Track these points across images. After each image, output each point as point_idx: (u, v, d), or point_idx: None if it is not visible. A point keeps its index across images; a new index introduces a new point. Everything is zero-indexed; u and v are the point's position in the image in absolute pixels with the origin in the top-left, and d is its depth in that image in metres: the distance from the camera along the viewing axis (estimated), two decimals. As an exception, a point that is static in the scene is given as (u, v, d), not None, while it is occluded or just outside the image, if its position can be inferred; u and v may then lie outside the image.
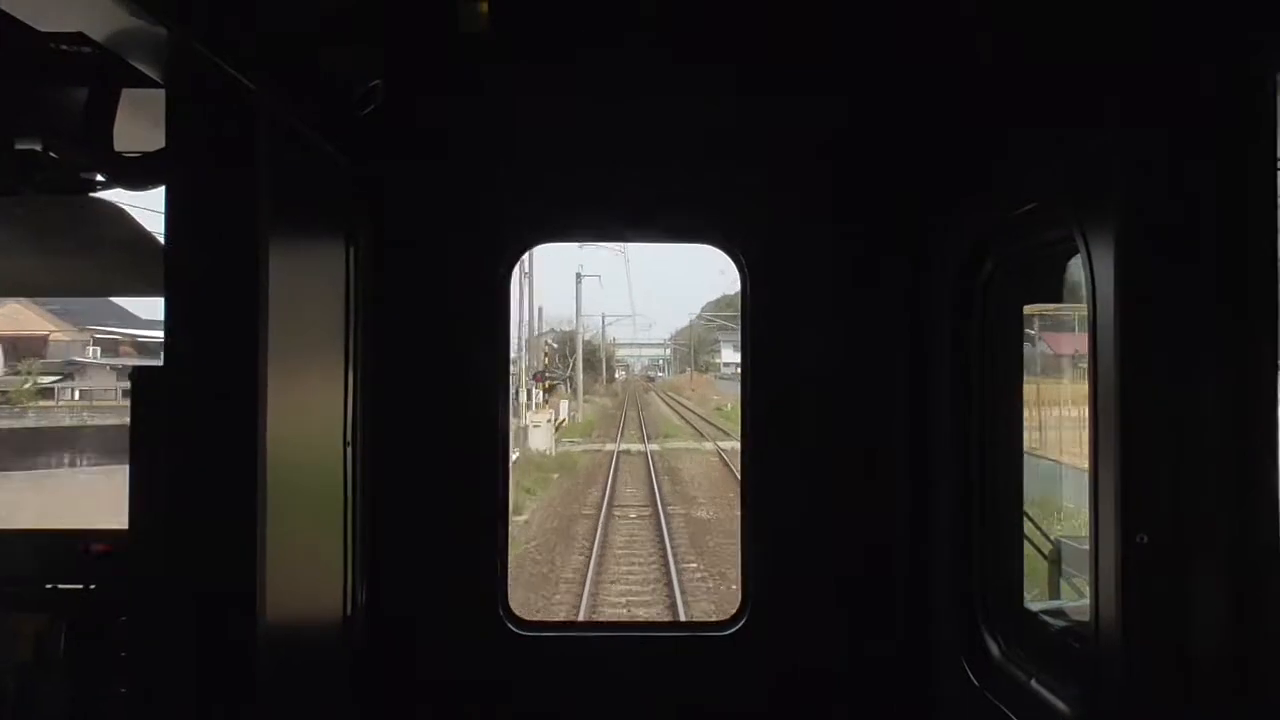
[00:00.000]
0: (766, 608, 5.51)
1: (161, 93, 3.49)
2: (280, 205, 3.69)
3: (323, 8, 4.01)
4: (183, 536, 3.51)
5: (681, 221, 5.75)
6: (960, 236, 5.01)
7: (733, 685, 5.53)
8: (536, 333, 76.34)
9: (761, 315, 5.62)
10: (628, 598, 22.71)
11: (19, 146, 4.23)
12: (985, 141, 4.68)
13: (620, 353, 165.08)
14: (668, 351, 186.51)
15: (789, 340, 5.57)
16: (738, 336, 5.84)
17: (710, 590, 23.05)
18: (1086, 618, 3.69)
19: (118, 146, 4.19)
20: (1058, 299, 5.23)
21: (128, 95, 4.08)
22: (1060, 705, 4.14)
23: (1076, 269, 3.90)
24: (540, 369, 68.98)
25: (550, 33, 4.67)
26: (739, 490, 5.96)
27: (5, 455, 38.17)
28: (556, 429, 56.73)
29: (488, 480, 5.52)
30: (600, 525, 31.12)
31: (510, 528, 5.81)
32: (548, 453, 49.02)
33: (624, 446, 56.64)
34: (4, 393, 54.15)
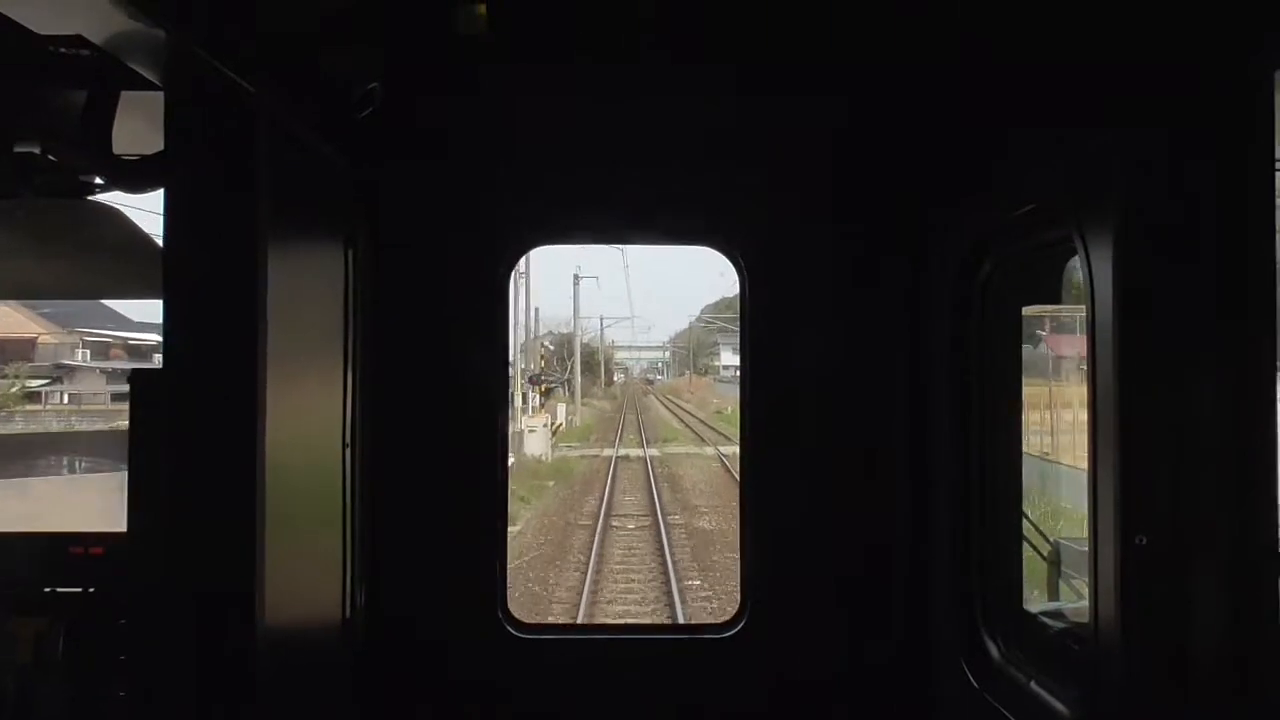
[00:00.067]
0: (766, 609, 5.51)
1: (160, 95, 3.49)
2: (279, 207, 3.69)
3: (321, 10, 4.01)
4: (182, 538, 3.51)
5: (681, 223, 5.75)
6: (960, 237, 5.01)
7: (732, 687, 5.52)
8: (533, 335, 75.73)
9: (761, 316, 5.61)
10: (626, 620, 21.55)
11: (18, 149, 4.23)
12: (985, 141, 4.68)
13: (619, 355, 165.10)
14: (666, 354, 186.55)
15: (788, 341, 5.57)
16: (737, 339, 5.83)
17: (714, 612, 21.83)
18: (1086, 619, 3.69)
19: (116, 149, 4.19)
20: (1057, 300, 5.23)
21: (126, 98, 4.08)
22: (1060, 707, 4.14)
23: (1076, 269, 3.90)
24: (536, 372, 68.28)
25: (549, 34, 4.67)
26: (738, 492, 5.96)
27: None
28: (553, 433, 55.94)
29: (487, 482, 5.52)
30: (597, 537, 29.70)
31: (503, 535, 5.78)
32: (543, 458, 47.88)
33: (622, 452, 55.37)
34: (-11, 396, 53.81)
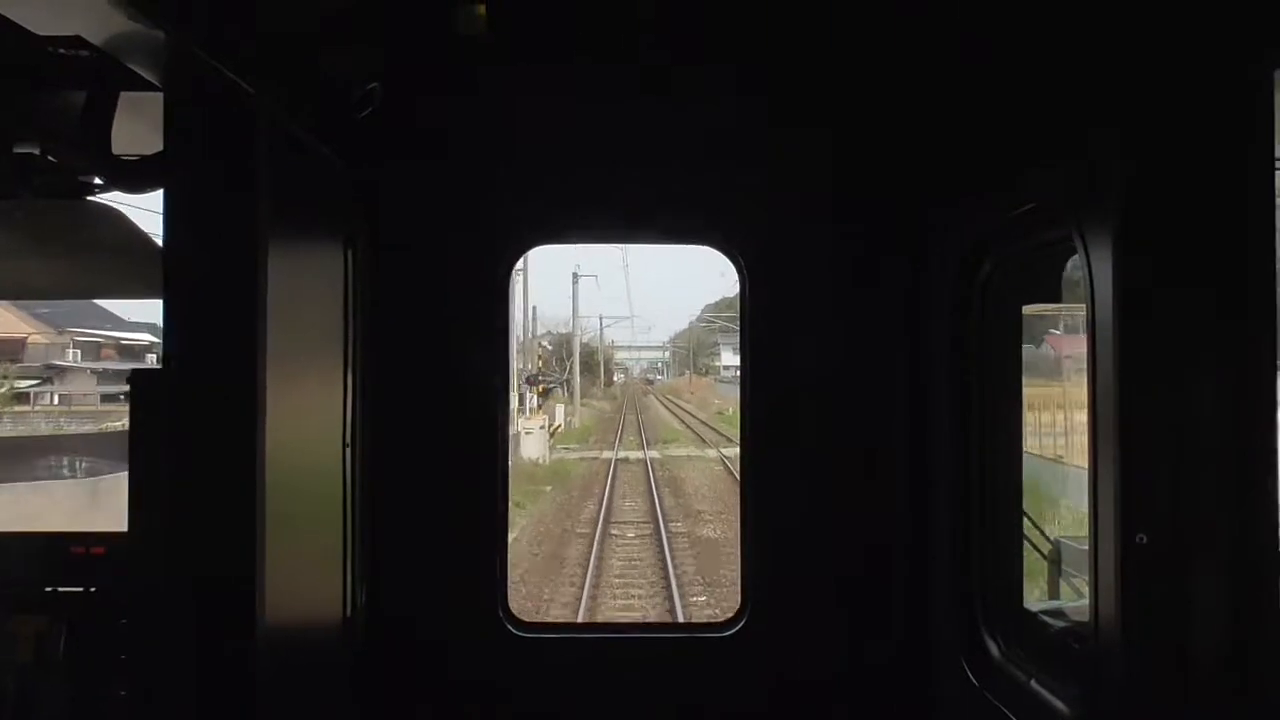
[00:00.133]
0: (766, 608, 5.51)
1: (160, 96, 3.49)
2: (279, 207, 3.69)
3: (321, 10, 4.01)
4: (183, 538, 3.51)
5: (681, 222, 5.75)
6: (960, 236, 5.01)
7: (732, 686, 5.52)
8: (531, 334, 74.97)
9: (761, 316, 5.62)
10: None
11: (17, 150, 4.24)
12: (985, 141, 4.68)
13: (618, 355, 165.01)
14: (666, 354, 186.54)
15: (788, 341, 5.57)
16: (737, 339, 5.83)
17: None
18: (1086, 618, 3.69)
19: (116, 150, 4.19)
20: (1057, 299, 5.23)
21: (126, 98, 4.08)
22: (1060, 705, 4.14)
23: (1076, 269, 3.90)
24: (533, 372, 67.47)
25: (548, 34, 4.68)
26: (739, 492, 5.96)
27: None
28: (551, 435, 55.07)
29: (487, 481, 5.52)
30: (595, 547, 28.14)
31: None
32: (540, 461, 46.56)
33: (622, 454, 54.20)
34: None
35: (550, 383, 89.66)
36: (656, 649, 5.79)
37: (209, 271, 3.54)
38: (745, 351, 5.69)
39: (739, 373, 5.95)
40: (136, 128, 4.11)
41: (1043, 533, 6.01)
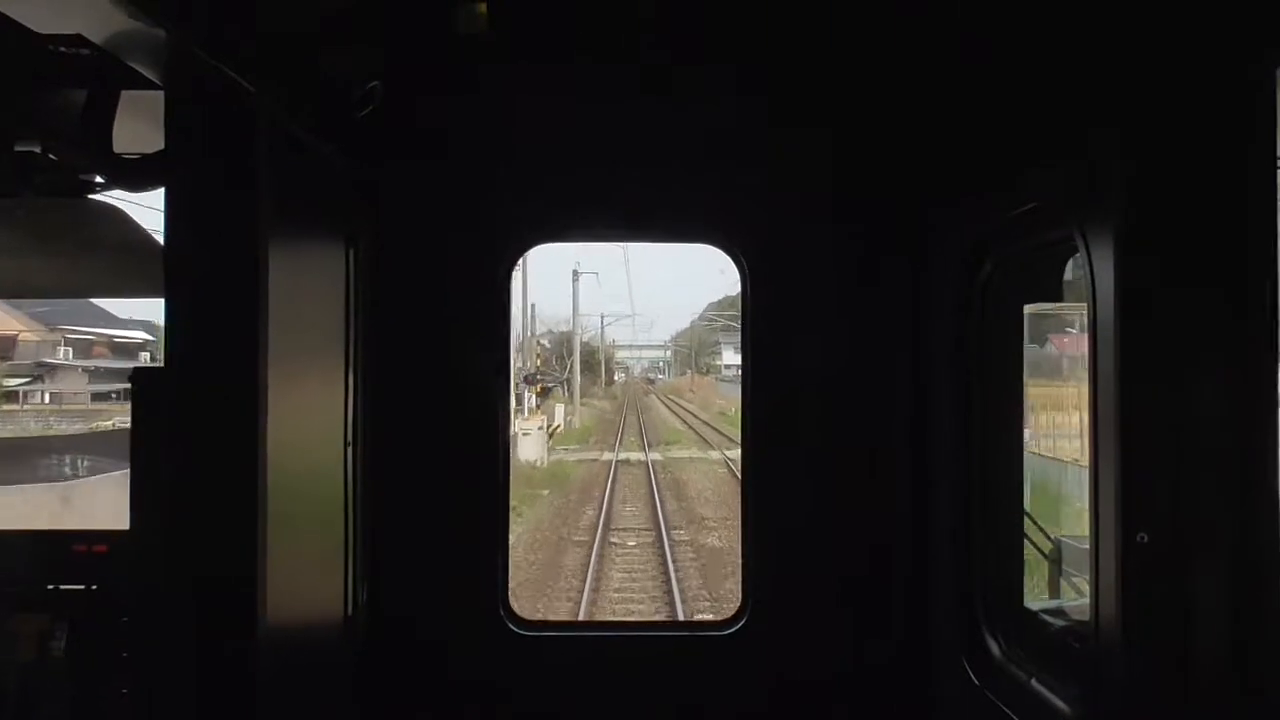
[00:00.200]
0: (767, 608, 5.51)
1: (161, 94, 3.50)
2: (280, 206, 3.70)
3: (321, 9, 4.01)
4: (184, 537, 3.51)
5: (682, 222, 5.76)
6: (960, 237, 5.01)
7: (733, 685, 5.53)
8: (530, 333, 73.92)
9: (762, 315, 5.62)
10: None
11: (18, 148, 4.24)
12: (985, 141, 4.68)
13: (619, 354, 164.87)
14: (668, 353, 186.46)
15: (790, 340, 5.57)
16: (739, 338, 5.84)
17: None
18: (1087, 617, 3.69)
19: (117, 148, 4.19)
20: (1058, 299, 5.23)
21: (127, 97, 4.08)
22: (1061, 704, 4.14)
23: (1077, 268, 3.90)
24: (532, 371, 66.38)
25: (549, 33, 4.68)
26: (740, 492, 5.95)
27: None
28: (550, 435, 53.96)
29: (488, 480, 5.52)
30: (594, 558, 26.50)
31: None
32: (538, 463, 44.57)
33: (623, 455, 52.57)
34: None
35: (549, 382, 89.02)
36: (657, 647, 5.79)
37: (210, 270, 3.54)
38: (747, 351, 5.70)
39: (740, 372, 5.95)
40: (138, 126, 4.12)
41: (1044, 532, 6.01)
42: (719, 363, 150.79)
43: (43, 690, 4.39)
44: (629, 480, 43.05)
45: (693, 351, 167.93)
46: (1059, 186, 3.96)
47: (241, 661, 3.52)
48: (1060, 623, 4.84)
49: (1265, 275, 3.25)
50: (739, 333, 5.79)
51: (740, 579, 5.74)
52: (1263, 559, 3.24)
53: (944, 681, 5.17)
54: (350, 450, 4.80)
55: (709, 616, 21.74)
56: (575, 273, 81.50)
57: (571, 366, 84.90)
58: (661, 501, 36.28)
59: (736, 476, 40.59)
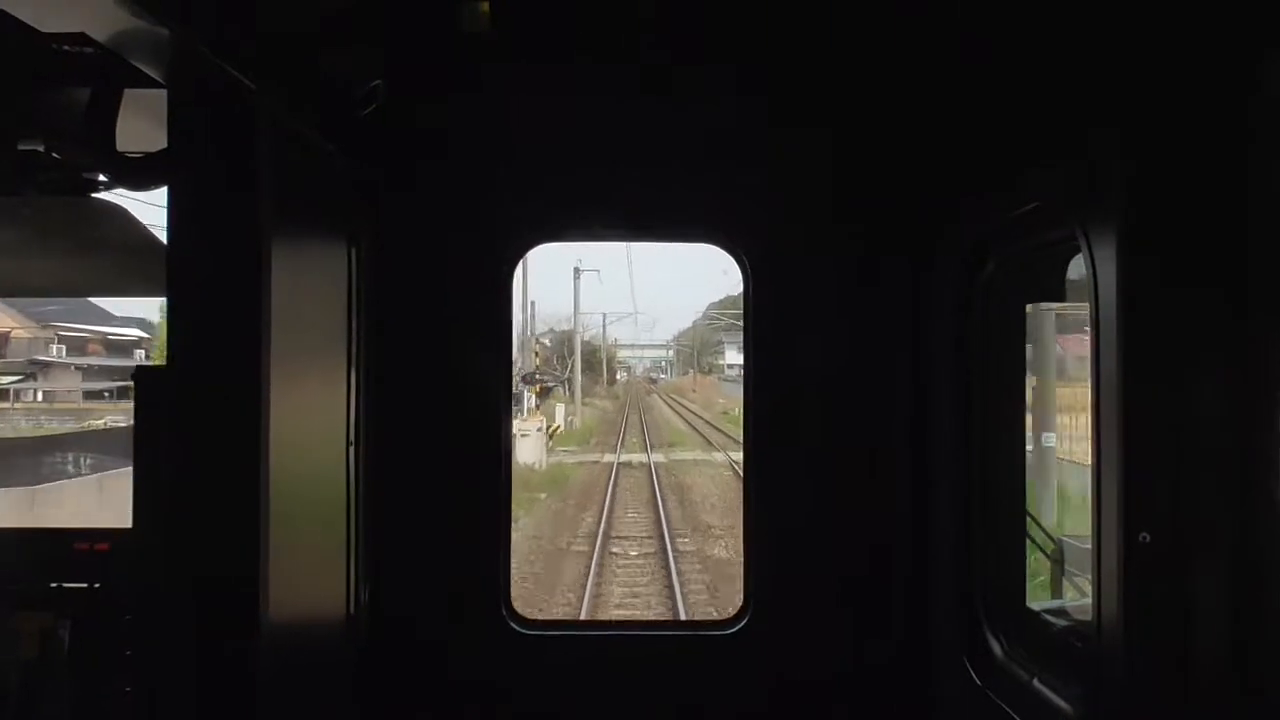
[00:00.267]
0: (768, 607, 5.51)
1: (163, 93, 3.49)
2: (282, 205, 3.70)
3: (324, 8, 4.02)
4: (186, 535, 3.52)
5: (682, 222, 5.77)
6: (961, 236, 5.01)
7: (734, 685, 5.53)
8: (530, 331, 72.74)
9: (764, 315, 5.62)
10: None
11: (22, 147, 4.25)
12: (986, 141, 4.69)
13: (622, 353, 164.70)
14: (670, 353, 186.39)
15: (792, 339, 5.58)
16: (741, 337, 5.84)
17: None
18: (1089, 617, 3.69)
19: (120, 147, 4.20)
20: (1060, 299, 5.23)
21: (129, 95, 4.09)
22: (1062, 704, 4.14)
23: (1078, 268, 3.90)
24: (531, 370, 64.53)
25: (550, 32, 4.68)
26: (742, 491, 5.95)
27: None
28: (550, 436, 53.10)
29: (490, 480, 5.53)
30: (592, 571, 24.98)
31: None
32: (536, 466, 43.13)
33: (624, 457, 51.24)
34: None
35: (549, 382, 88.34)
36: (659, 647, 5.80)
37: (212, 269, 3.54)
38: (749, 350, 5.71)
39: (742, 371, 5.96)
40: (140, 125, 4.12)
41: (1045, 532, 6.01)
42: (722, 362, 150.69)
43: (44, 688, 4.40)
44: (630, 484, 41.95)
45: (695, 351, 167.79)
46: (1060, 186, 3.97)
47: (243, 660, 3.52)
48: (1062, 622, 4.84)
49: (1267, 274, 3.25)
50: (741, 332, 5.79)
51: (742, 578, 5.74)
52: (1264, 559, 3.24)
53: (945, 681, 5.17)
54: (352, 450, 4.81)
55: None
56: (577, 270, 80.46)
57: (572, 366, 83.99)
58: (665, 507, 34.95)
59: (740, 479, 40.01)
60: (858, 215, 5.52)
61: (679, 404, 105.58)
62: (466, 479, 5.53)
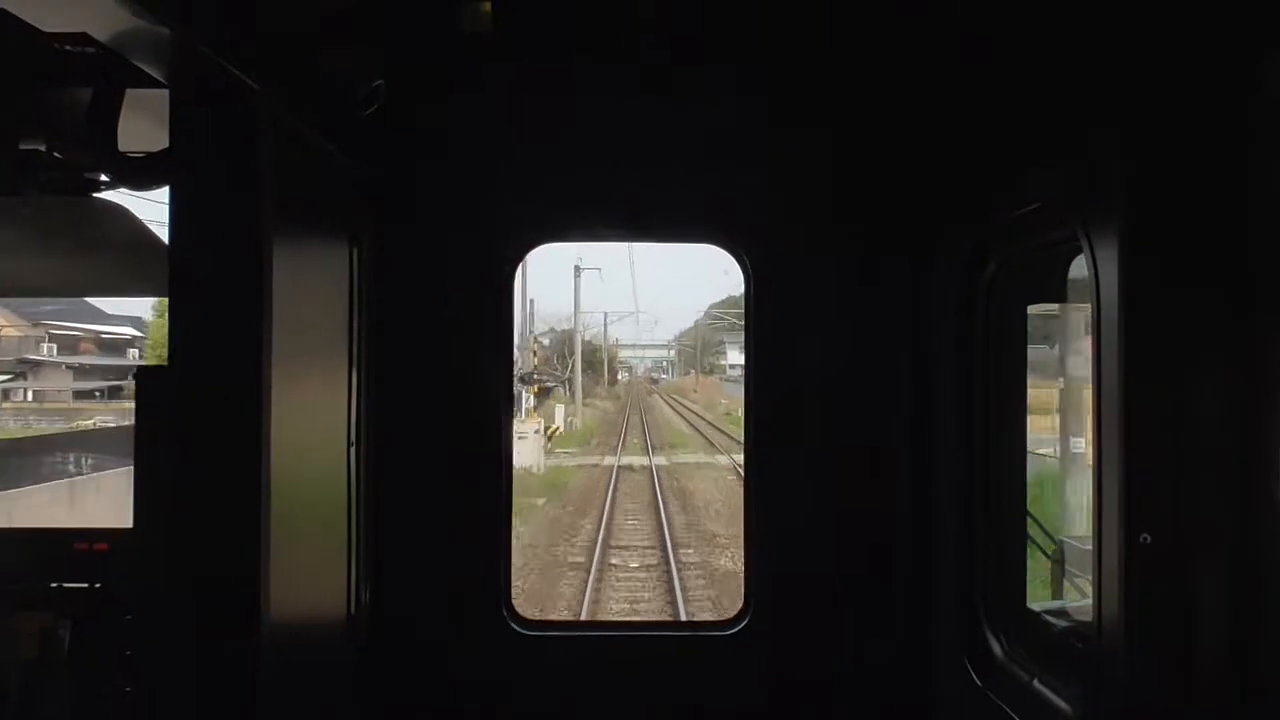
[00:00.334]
0: (769, 607, 5.51)
1: (165, 93, 3.50)
2: (283, 205, 3.70)
3: (325, 8, 4.02)
4: (187, 535, 3.52)
5: (683, 222, 5.77)
6: (962, 237, 5.01)
7: (735, 685, 5.53)
8: (529, 330, 71.45)
9: (766, 315, 5.63)
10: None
11: (23, 147, 4.25)
12: (986, 141, 4.69)
13: (623, 353, 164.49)
14: (672, 353, 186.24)
15: (793, 339, 5.58)
16: (743, 337, 5.85)
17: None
18: (1089, 617, 3.69)
19: (121, 146, 4.20)
20: (1062, 299, 5.23)
21: (131, 95, 4.10)
22: (1063, 705, 4.14)
23: (1079, 268, 3.90)
24: (529, 371, 62.80)
25: (551, 32, 4.68)
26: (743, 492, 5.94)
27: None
28: (549, 438, 52.44)
29: (491, 480, 5.53)
30: (590, 586, 23.94)
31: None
32: (534, 469, 41.95)
33: (625, 460, 50.29)
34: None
35: (549, 382, 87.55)
36: (659, 647, 5.79)
37: (214, 269, 3.55)
38: (749, 350, 5.71)
39: (744, 371, 5.96)
40: (142, 124, 4.13)
41: (1046, 532, 6.01)
42: (724, 362, 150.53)
43: (45, 688, 4.41)
44: (631, 488, 40.78)
45: (697, 351, 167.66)
46: (1060, 186, 3.97)
47: (243, 660, 3.53)
48: (1062, 623, 4.84)
49: (1269, 274, 3.25)
50: (743, 332, 5.79)
51: (742, 578, 5.75)
52: (1264, 559, 3.24)
53: (945, 682, 5.17)
54: (353, 450, 4.81)
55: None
56: (577, 268, 79.01)
57: (573, 366, 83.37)
58: (668, 514, 33.60)
59: (747, 484, 38.62)
60: (858, 215, 5.52)
61: (681, 405, 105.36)
62: (467, 479, 5.53)
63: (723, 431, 63.13)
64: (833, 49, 4.86)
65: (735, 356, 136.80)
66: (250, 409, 3.51)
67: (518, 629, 5.51)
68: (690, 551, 28.11)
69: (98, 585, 4.51)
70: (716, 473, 45.05)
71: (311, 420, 4.37)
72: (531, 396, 61.77)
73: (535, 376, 67.54)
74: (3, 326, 68.90)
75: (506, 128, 5.48)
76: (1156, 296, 3.37)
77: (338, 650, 4.80)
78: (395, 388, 5.31)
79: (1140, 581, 3.33)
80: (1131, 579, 3.33)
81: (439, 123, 5.46)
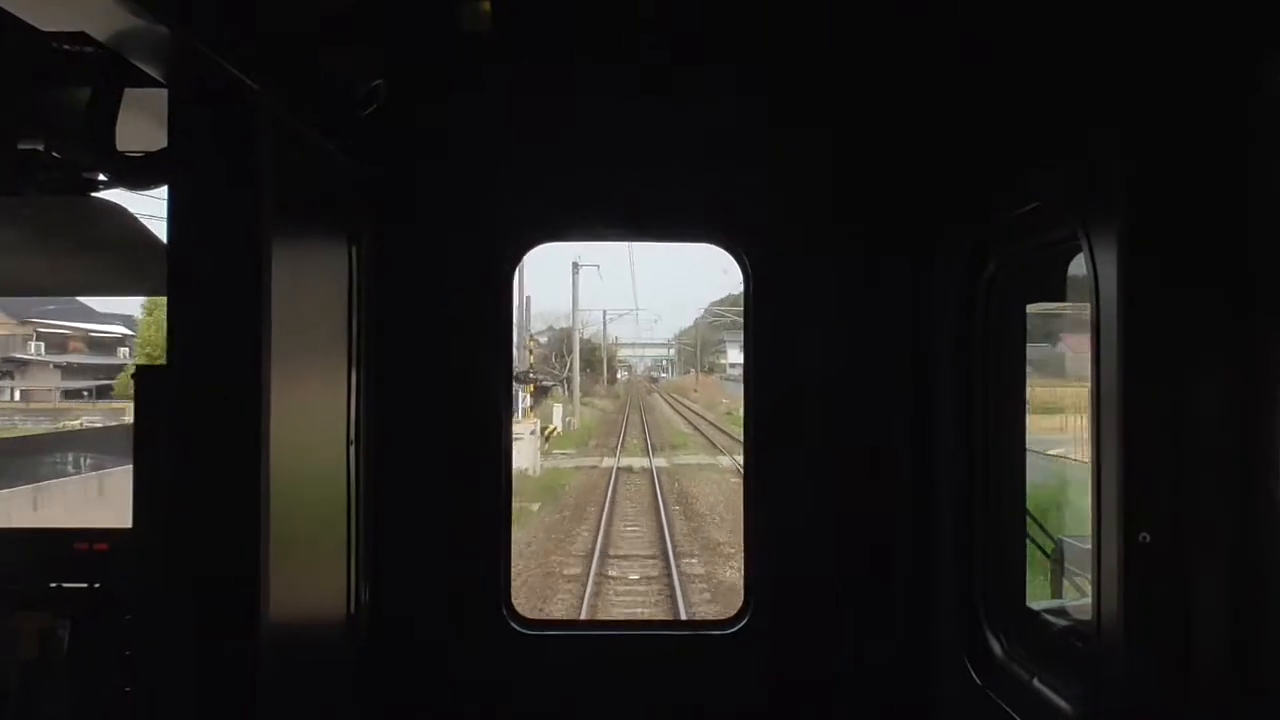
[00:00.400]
0: (769, 607, 5.51)
1: (164, 92, 3.49)
2: (283, 205, 3.70)
3: (324, 8, 4.02)
4: (186, 535, 3.52)
5: (683, 221, 5.77)
6: (962, 236, 5.01)
7: (734, 684, 5.53)
8: (524, 328, 70.44)
9: (765, 314, 5.63)
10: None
11: (22, 146, 4.25)
12: (986, 141, 4.69)
13: (622, 352, 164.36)
14: (672, 351, 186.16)
15: (793, 339, 5.58)
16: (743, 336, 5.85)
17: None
18: (1089, 617, 3.69)
19: (120, 146, 4.20)
20: (1061, 299, 5.23)
21: (130, 95, 4.09)
22: (1063, 704, 4.14)
23: (1079, 268, 3.90)
24: (524, 370, 61.28)
25: (551, 32, 4.68)
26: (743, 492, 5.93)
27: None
28: (547, 439, 51.83)
29: (490, 479, 5.53)
30: (586, 600, 22.98)
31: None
32: (530, 472, 40.73)
33: (624, 461, 49.21)
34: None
35: (547, 381, 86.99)
36: (659, 647, 5.80)
37: (213, 268, 3.54)
38: (749, 350, 5.71)
39: (743, 370, 5.96)
40: (141, 124, 4.12)
41: (1046, 532, 6.01)
42: (724, 361, 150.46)
43: (44, 688, 4.41)
44: (631, 491, 39.60)
45: (697, 349, 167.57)
46: (1060, 186, 3.97)
47: (243, 660, 3.52)
48: (1062, 622, 4.84)
49: (1268, 273, 3.25)
50: (742, 331, 5.79)
51: (742, 578, 5.75)
52: (1264, 559, 3.24)
53: (945, 681, 5.17)
54: (352, 449, 4.81)
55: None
56: (575, 265, 77.21)
57: (571, 364, 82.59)
58: (669, 521, 32.22)
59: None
60: (858, 215, 5.52)
61: (681, 404, 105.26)
62: (467, 478, 5.53)
63: (724, 432, 62.44)
64: (833, 49, 4.86)
65: (736, 355, 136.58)
66: (249, 408, 3.51)
67: (517, 628, 5.51)
68: (693, 561, 27.16)
69: (97, 585, 4.51)
70: (719, 475, 44.23)
71: (311, 420, 4.36)
72: (528, 396, 61.37)
73: (532, 375, 66.99)
74: (-8, 324, 68.81)
75: (506, 128, 5.48)
76: (1156, 296, 3.37)
77: (337, 650, 4.80)
78: (394, 387, 5.31)
79: (1140, 581, 3.33)
80: (1131, 578, 3.33)
81: (439, 122, 5.46)
